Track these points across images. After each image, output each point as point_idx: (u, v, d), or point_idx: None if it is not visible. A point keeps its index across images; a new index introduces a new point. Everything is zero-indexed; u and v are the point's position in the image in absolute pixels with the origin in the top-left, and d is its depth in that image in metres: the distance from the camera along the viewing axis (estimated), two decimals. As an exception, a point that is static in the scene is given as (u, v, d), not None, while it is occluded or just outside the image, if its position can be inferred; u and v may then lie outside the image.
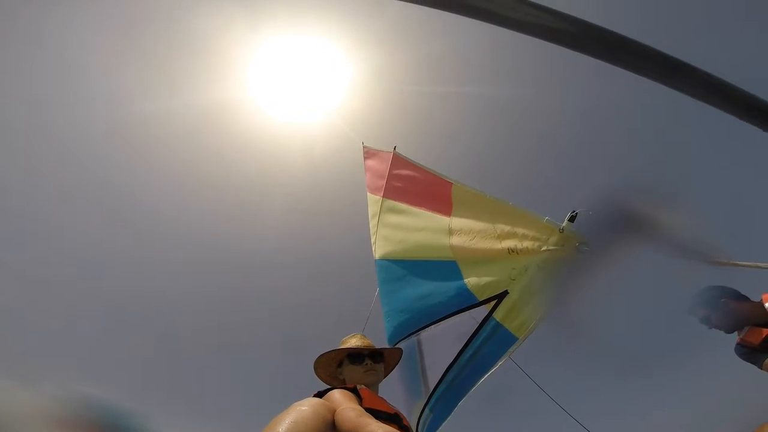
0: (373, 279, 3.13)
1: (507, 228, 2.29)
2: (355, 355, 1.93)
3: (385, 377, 2.03)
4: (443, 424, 2.79)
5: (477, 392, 2.71)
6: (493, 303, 2.46)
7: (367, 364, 1.89)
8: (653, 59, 0.79)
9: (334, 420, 1.28)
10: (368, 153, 3.46)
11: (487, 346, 2.57)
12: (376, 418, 1.32)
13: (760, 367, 2.09)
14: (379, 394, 1.82)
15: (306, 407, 1.26)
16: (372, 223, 3.14)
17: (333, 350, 1.98)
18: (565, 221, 2.09)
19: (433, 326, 2.74)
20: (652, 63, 0.78)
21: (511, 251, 2.29)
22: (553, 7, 0.72)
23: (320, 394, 1.53)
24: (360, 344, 2.00)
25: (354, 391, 1.60)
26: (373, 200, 3.12)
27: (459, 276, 2.53)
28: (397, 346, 2.94)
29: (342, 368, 1.96)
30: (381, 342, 2.19)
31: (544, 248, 2.19)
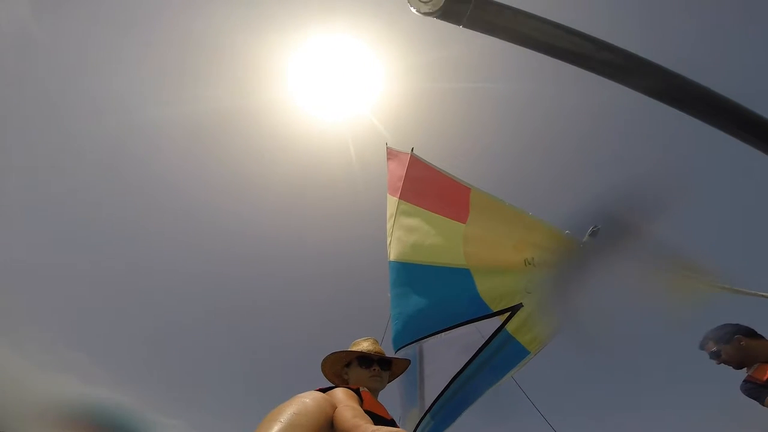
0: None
1: (525, 239, 2.21)
2: (365, 359, 1.94)
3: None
4: (444, 430, 2.74)
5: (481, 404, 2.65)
6: (506, 315, 2.39)
7: (374, 369, 1.90)
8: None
9: (334, 416, 1.29)
10: (390, 154, 3.43)
11: (497, 358, 2.50)
12: (374, 422, 1.31)
13: (762, 404, 2.07)
14: (378, 400, 1.80)
15: (308, 399, 1.28)
16: (389, 224, 3.11)
17: (345, 350, 2.01)
18: (586, 236, 1.99)
19: (438, 335, 2.69)
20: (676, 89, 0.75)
21: (527, 263, 2.21)
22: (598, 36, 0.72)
23: (323, 391, 1.53)
24: (372, 350, 2.01)
25: (356, 392, 1.61)
26: (391, 201, 3.09)
27: (472, 284, 2.46)
28: (401, 349, 2.91)
29: (349, 369, 1.97)
30: (391, 350, 2.18)
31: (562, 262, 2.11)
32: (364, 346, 2.04)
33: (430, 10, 0.63)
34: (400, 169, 3.07)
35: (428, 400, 2.69)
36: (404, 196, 2.94)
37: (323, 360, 2.00)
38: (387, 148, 3.51)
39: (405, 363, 2.12)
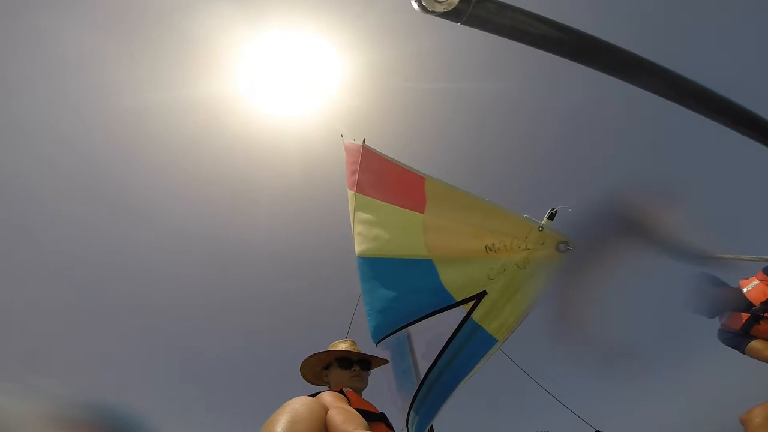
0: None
1: (484, 225, 2.13)
2: (344, 360, 1.94)
3: None
4: (430, 424, 2.72)
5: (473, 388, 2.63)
6: (471, 303, 2.33)
7: (355, 369, 1.91)
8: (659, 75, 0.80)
9: (326, 418, 1.29)
10: (345, 147, 3.27)
11: (466, 348, 2.45)
12: (365, 418, 1.34)
13: (743, 352, 2.14)
14: (363, 397, 1.80)
15: (299, 405, 1.27)
16: (350, 218, 2.99)
17: (324, 352, 1.99)
18: (545, 219, 1.93)
19: (413, 326, 2.63)
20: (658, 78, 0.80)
21: (488, 249, 2.14)
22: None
23: (312, 396, 1.50)
24: (351, 350, 2.01)
25: (341, 393, 1.62)
26: (350, 195, 2.96)
27: (435, 275, 2.38)
28: (380, 344, 2.87)
29: (329, 371, 1.97)
30: (368, 349, 2.16)
31: (523, 247, 2.04)
32: (342, 347, 2.02)
33: (445, 9, 0.61)
34: (354, 162, 2.93)
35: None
36: (360, 189, 2.81)
37: (302, 363, 1.98)
38: (342, 140, 3.35)
39: (383, 362, 2.13)
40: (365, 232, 2.73)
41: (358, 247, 2.82)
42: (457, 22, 0.65)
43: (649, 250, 1.75)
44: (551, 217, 1.90)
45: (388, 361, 2.20)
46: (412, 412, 2.70)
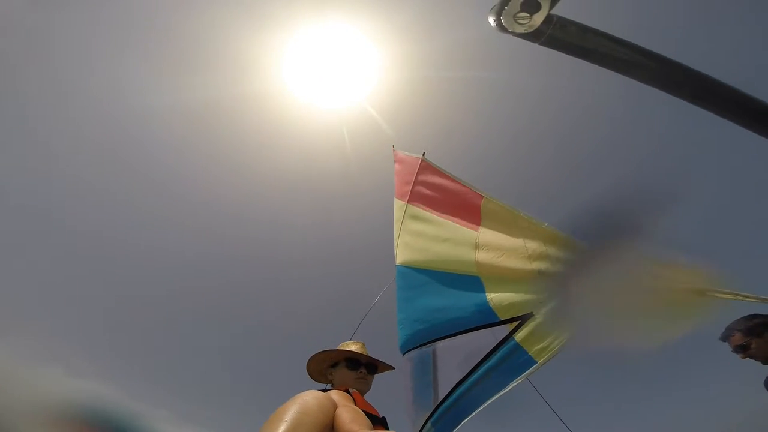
0: (381, 281, 3.09)
1: (540, 249, 2.19)
2: (353, 361, 1.98)
3: None
4: None
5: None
6: (515, 324, 2.38)
7: (361, 372, 1.95)
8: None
9: (334, 415, 1.32)
10: (397, 157, 3.38)
11: (502, 367, 2.48)
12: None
13: None
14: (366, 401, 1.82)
15: (310, 398, 1.30)
16: (395, 227, 3.07)
17: (334, 350, 2.04)
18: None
19: (447, 339, 2.68)
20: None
21: (541, 273, 2.20)
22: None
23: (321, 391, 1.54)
24: (361, 352, 2.04)
25: (348, 393, 1.64)
26: (398, 205, 3.05)
27: (482, 292, 2.44)
28: (408, 354, 2.90)
29: (335, 369, 2.00)
30: (375, 354, 2.20)
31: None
32: (352, 348, 2.06)
33: (526, 30, 0.63)
34: (408, 173, 3.03)
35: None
36: (413, 201, 2.90)
37: (311, 357, 2.02)
38: (393, 150, 3.46)
39: (389, 368, 2.18)
40: (412, 242, 2.81)
41: (402, 257, 2.89)
42: (536, 43, 0.66)
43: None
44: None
45: (394, 368, 2.24)
46: (428, 424, 2.71)
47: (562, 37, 0.65)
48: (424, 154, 2.93)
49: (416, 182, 2.91)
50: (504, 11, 0.63)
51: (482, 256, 2.40)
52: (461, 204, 2.57)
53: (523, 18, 0.63)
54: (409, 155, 3.16)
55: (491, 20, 0.63)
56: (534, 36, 0.65)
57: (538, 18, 0.62)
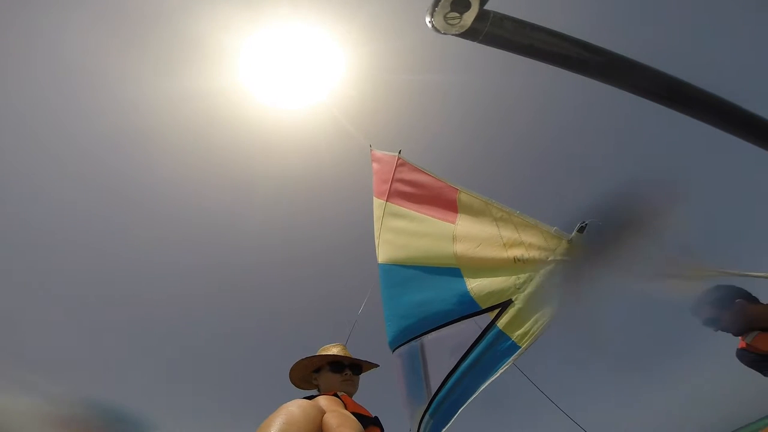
0: (364, 281, 3.12)
1: (514, 236, 2.26)
2: (336, 364, 1.98)
3: None
4: (445, 428, 2.77)
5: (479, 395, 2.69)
6: (496, 311, 2.44)
7: (346, 374, 1.95)
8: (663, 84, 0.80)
9: (322, 422, 1.30)
10: (374, 156, 3.42)
11: (488, 354, 2.55)
12: (360, 422, 1.36)
13: (765, 375, 2.02)
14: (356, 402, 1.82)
15: (294, 407, 1.28)
16: (376, 226, 3.11)
17: (316, 355, 2.02)
18: (574, 232, 2.06)
19: (434, 332, 2.73)
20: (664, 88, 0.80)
21: (517, 260, 2.27)
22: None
23: (308, 399, 1.51)
24: (343, 354, 2.04)
25: (336, 397, 1.63)
26: (378, 204, 3.09)
27: (462, 283, 2.50)
28: (397, 350, 2.94)
29: (319, 374, 2.00)
30: (359, 354, 2.20)
31: (551, 258, 2.17)
32: (334, 351, 2.06)
33: (458, 31, 0.64)
34: (386, 172, 3.08)
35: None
36: (392, 198, 2.95)
37: (293, 365, 2.01)
38: (371, 150, 3.51)
39: (374, 366, 2.18)
40: (393, 240, 2.85)
41: (384, 255, 2.93)
42: (475, 41, 0.66)
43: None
44: (581, 230, 2.03)
45: (378, 366, 2.24)
46: (426, 416, 2.76)
47: (500, 33, 0.66)
48: (400, 152, 2.99)
49: (394, 180, 2.96)
50: (435, 12, 0.63)
51: (460, 248, 2.46)
52: (438, 199, 2.63)
53: (454, 18, 0.63)
54: (386, 154, 3.21)
55: (427, 21, 0.64)
56: (471, 35, 0.66)
57: (469, 17, 0.63)
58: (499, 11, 0.67)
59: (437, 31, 0.65)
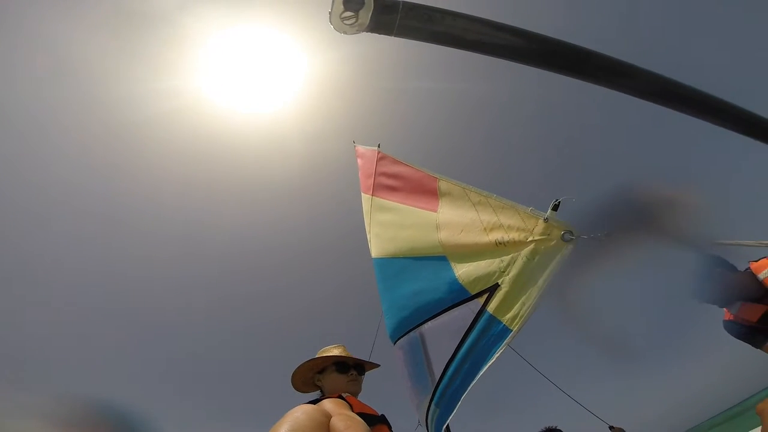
0: (358, 280, 3.16)
1: (493, 220, 2.26)
2: (342, 364, 2.00)
3: None
4: (450, 417, 2.80)
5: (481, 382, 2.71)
6: (485, 296, 2.44)
7: (352, 374, 1.98)
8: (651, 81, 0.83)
9: (329, 426, 1.29)
10: (358, 152, 3.46)
11: (482, 340, 2.55)
12: (366, 422, 1.36)
13: (759, 348, 1.97)
14: (362, 402, 1.84)
15: (300, 414, 1.27)
16: (365, 221, 3.16)
17: (320, 357, 2.04)
18: (549, 210, 2.04)
19: (430, 321, 2.75)
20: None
21: (498, 243, 2.26)
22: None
23: (312, 403, 1.51)
24: (347, 355, 2.06)
25: (342, 399, 1.64)
26: (365, 199, 3.13)
27: (450, 270, 2.51)
28: (398, 342, 2.98)
29: (323, 376, 2.01)
30: (359, 354, 2.22)
31: (530, 238, 2.16)
32: (335, 352, 2.08)
33: (358, 30, 0.62)
34: (369, 166, 3.11)
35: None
36: (377, 192, 2.98)
37: (296, 369, 2.02)
38: (355, 146, 3.55)
39: (375, 366, 2.22)
40: (382, 233, 2.89)
41: (376, 250, 2.97)
42: (389, 35, 0.63)
43: (658, 239, 1.79)
44: (555, 208, 2.02)
45: (379, 365, 2.27)
46: (432, 406, 2.79)
47: (413, 24, 0.64)
48: (379, 146, 3.01)
49: (377, 174, 2.99)
50: (330, 16, 0.62)
51: (444, 235, 2.47)
52: (419, 188, 2.64)
53: (350, 18, 0.62)
54: (368, 149, 3.23)
55: (330, 23, 0.62)
56: (384, 29, 0.63)
57: (365, 15, 0.61)
58: (419, 2, 0.65)
59: (338, 31, 0.64)
